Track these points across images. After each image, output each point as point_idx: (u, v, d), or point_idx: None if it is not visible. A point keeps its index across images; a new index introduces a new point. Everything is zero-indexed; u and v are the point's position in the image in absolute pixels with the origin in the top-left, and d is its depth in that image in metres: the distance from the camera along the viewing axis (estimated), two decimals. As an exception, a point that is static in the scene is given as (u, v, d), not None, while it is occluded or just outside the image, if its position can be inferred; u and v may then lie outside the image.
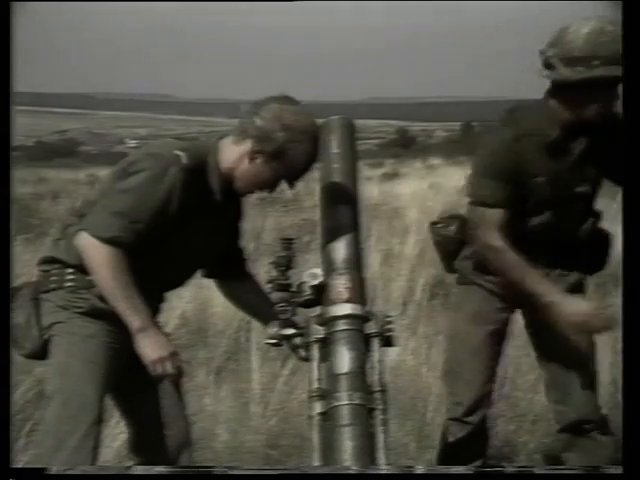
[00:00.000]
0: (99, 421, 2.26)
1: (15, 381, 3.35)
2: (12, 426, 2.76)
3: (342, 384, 1.67)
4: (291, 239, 1.96)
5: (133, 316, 2.23)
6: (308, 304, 1.87)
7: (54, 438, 2.22)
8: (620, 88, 2.41)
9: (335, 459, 1.59)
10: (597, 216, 2.76)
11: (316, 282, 1.86)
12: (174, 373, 2.31)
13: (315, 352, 1.77)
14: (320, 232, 1.97)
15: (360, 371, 1.70)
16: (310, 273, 1.87)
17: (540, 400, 3.71)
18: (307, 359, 1.80)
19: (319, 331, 1.78)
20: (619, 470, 1.82)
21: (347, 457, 1.58)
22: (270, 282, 1.92)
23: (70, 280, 2.30)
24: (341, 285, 1.82)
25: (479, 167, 2.63)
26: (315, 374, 1.73)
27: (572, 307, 2.50)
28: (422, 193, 13.26)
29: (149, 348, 2.25)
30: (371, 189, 13.08)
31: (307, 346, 1.80)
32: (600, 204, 2.76)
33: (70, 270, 2.30)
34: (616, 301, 2.79)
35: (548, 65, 2.50)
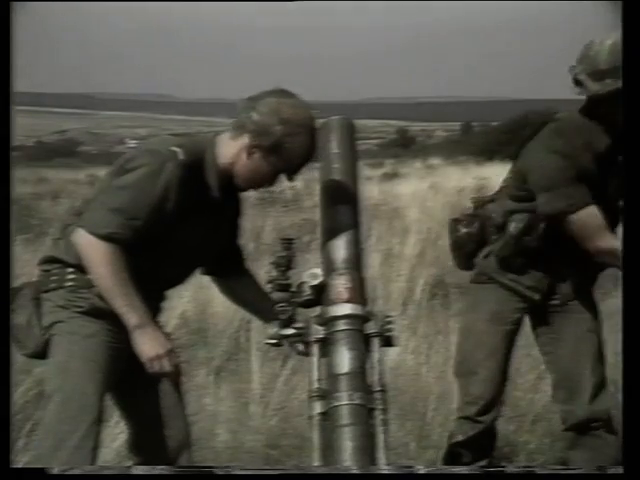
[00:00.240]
0: (99, 421, 2.26)
1: (15, 381, 3.35)
2: (12, 426, 2.76)
3: (342, 384, 1.67)
4: (291, 239, 1.96)
5: (130, 313, 2.23)
6: (308, 304, 1.87)
7: (54, 438, 2.22)
8: None
9: (335, 459, 1.59)
10: None
11: (316, 282, 1.86)
12: (172, 371, 2.31)
13: (315, 352, 1.77)
14: (320, 232, 1.97)
15: (360, 371, 1.70)
16: (310, 273, 1.87)
17: (540, 400, 3.71)
18: (306, 354, 1.80)
19: (319, 331, 1.78)
20: (619, 470, 1.82)
21: (347, 457, 1.58)
22: (270, 282, 1.92)
23: (70, 280, 2.30)
24: (341, 285, 1.82)
25: (536, 183, 2.68)
26: (315, 374, 1.73)
27: None
28: (422, 193, 13.27)
29: (146, 345, 2.25)
30: (371, 189, 13.09)
31: (307, 346, 1.80)
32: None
33: (70, 270, 2.30)
34: (616, 301, 2.78)
35: (578, 82, 2.57)
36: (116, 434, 3.02)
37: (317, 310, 1.85)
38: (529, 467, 2.99)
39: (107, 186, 2.30)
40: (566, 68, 2.67)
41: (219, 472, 1.83)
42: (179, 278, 2.47)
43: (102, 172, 2.81)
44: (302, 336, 1.85)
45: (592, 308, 2.84)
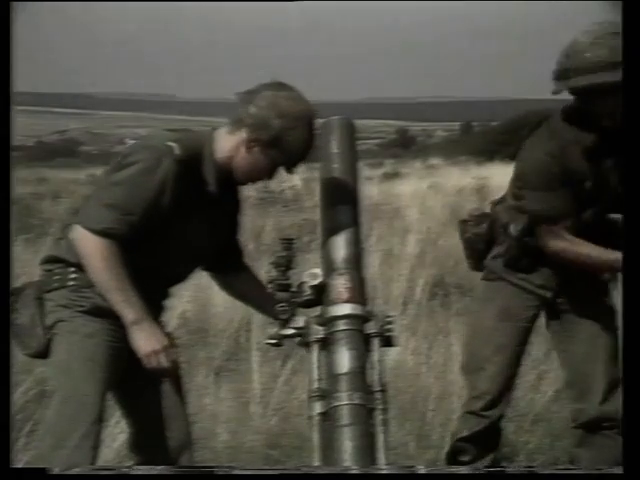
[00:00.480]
0: (99, 420, 2.25)
1: (15, 381, 3.35)
2: (12, 426, 2.76)
3: (342, 384, 1.67)
4: (291, 239, 1.96)
5: (127, 309, 2.23)
6: (308, 304, 1.87)
7: (54, 437, 2.22)
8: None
9: (335, 459, 1.59)
10: None
11: (316, 282, 1.86)
12: (169, 366, 2.30)
13: (315, 352, 1.77)
14: (320, 232, 1.97)
15: (360, 371, 1.70)
16: (310, 273, 1.87)
17: (540, 400, 3.71)
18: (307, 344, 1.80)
19: (319, 331, 1.78)
20: (619, 470, 1.82)
21: (347, 457, 1.58)
22: (270, 282, 1.92)
23: (73, 279, 2.30)
24: (341, 285, 1.82)
25: (528, 181, 2.69)
26: (315, 374, 1.73)
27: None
28: (422, 193, 13.27)
29: (143, 341, 2.25)
30: (371, 189, 13.08)
31: (307, 346, 1.80)
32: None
33: (72, 269, 2.30)
34: (616, 301, 2.79)
35: (564, 76, 2.55)
36: (116, 434, 3.02)
37: (317, 310, 1.85)
38: (529, 467, 2.99)
39: (103, 182, 2.31)
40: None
41: (221, 472, 1.82)
42: (181, 275, 2.47)
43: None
44: (302, 336, 1.85)
45: (606, 307, 2.83)
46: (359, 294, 1.82)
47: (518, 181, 2.75)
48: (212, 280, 2.65)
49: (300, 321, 1.86)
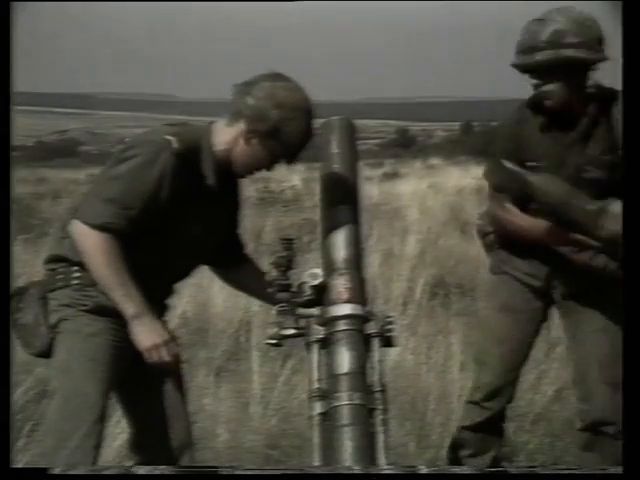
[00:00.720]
0: (101, 420, 2.25)
1: (15, 381, 3.35)
2: (12, 426, 2.76)
3: (342, 384, 1.67)
4: (291, 239, 1.96)
5: (127, 303, 2.23)
6: (308, 304, 1.87)
7: (56, 436, 2.22)
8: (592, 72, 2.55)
9: (335, 459, 1.59)
10: None
11: (316, 282, 1.85)
12: (170, 360, 2.30)
13: (315, 352, 1.77)
14: (320, 232, 1.97)
15: (360, 371, 1.70)
16: (310, 273, 1.87)
17: (540, 400, 3.71)
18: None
19: (319, 331, 1.78)
20: (619, 470, 1.81)
21: (347, 457, 1.58)
22: (270, 282, 1.92)
23: (76, 278, 2.30)
24: (341, 285, 1.82)
25: (492, 150, 2.80)
26: (315, 374, 1.73)
27: None
28: (422, 193, 13.26)
29: (143, 335, 2.25)
30: (371, 189, 13.08)
31: (307, 346, 1.80)
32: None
33: (76, 268, 2.30)
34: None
35: (517, 53, 2.60)
36: (116, 434, 3.02)
37: (317, 310, 1.85)
38: (530, 467, 2.99)
39: (102, 177, 2.31)
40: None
41: (222, 472, 1.82)
42: (183, 271, 2.46)
43: (102, 172, 2.80)
44: (302, 336, 1.85)
45: (606, 306, 2.75)
46: (359, 294, 1.81)
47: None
48: (214, 277, 2.65)
49: (300, 321, 1.86)
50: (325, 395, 1.68)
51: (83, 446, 2.20)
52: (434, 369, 3.91)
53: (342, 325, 1.76)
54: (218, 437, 3.39)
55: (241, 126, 2.27)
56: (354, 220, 1.95)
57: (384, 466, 1.60)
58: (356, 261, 1.88)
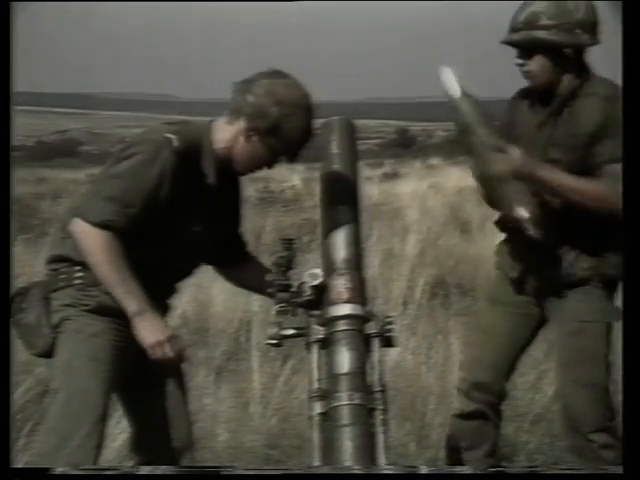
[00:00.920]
0: (103, 420, 2.25)
1: (15, 381, 3.35)
2: (12, 426, 2.76)
3: (342, 384, 1.68)
4: (291, 239, 1.96)
5: (129, 300, 2.24)
6: (309, 304, 1.87)
7: (57, 436, 2.22)
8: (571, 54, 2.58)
9: (335, 459, 1.59)
10: None
11: (316, 282, 1.86)
12: (175, 356, 2.30)
13: (315, 352, 1.77)
14: (320, 232, 1.97)
15: (360, 371, 1.70)
16: (310, 273, 1.87)
17: (540, 400, 3.71)
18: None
19: (319, 331, 1.78)
20: (619, 470, 1.82)
21: (347, 457, 1.59)
22: (270, 283, 1.92)
23: (78, 277, 2.30)
24: (341, 285, 1.82)
25: None
26: (315, 374, 1.73)
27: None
28: (422, 193, 13.26)
29: (146, 332, 2.25)
30: (371, 189, 13.07)
31: (307, 346, 1.80)
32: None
33: (78, 267, 2.30)
34: (616, 301, 2.77)
35: (509, 30, 2.64)
36: (116, 434, 3.02)
37: (317, 310, 1.85)
38: (530, 467, 2.98)
39: (102, 175, 2.32)
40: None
41: (223, 472, 1.82)
42: (185, 270, 2.46)
43: (102, 172, 2.80)
44: (302, 336, 1.85)
45: (573, 307, 2.67)
46: (359, 294, 1.82)
47: None
48: (214, 277, 2.65)
49: (300, 321, 1.86)
50: (325, 395, 1.68)
51: (85, 446, 2.20)
52: (434, 369, 3.91)
53: (342, 325, 1.76)
54: (218, 437, 3.39)
55: (241, 124, 2.27)
56: (354, 220, 1.95)
57: (384, 466, 1.60)
58: (356, 261, 1.88)
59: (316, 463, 1.61)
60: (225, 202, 2.42)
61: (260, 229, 8.13)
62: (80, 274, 2.30)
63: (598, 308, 2.65)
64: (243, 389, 3.88)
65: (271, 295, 2.45)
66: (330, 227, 1.94)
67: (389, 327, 1.79)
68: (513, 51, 2.66)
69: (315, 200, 2.23)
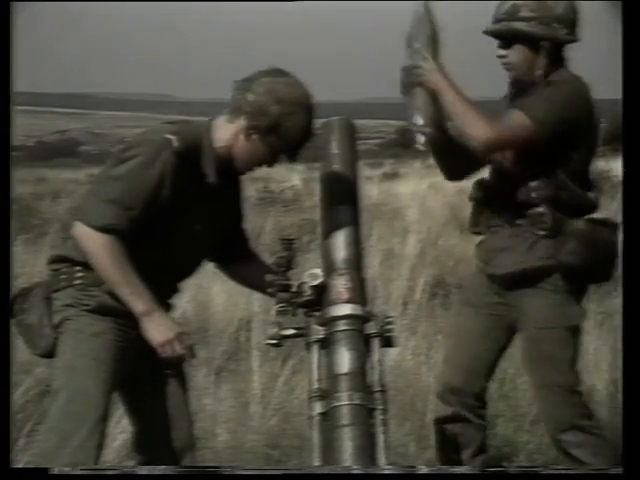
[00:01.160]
0: (104, 419, 2.26)
1: (15, 381, 3.34)
2: (12, 426, 2.76)
3: (342, 384, 1.68)
4: (291, 239, 1.96)
5: (136, 301, 2.24)
6: (309, 304, 1.87)
7: (58, 436, 2.23)
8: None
9: (335, 459, 1.59)
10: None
11: (316, 282, 1.86)
12: (185, 353, 2.31)
13: (315, 352, 1.77)
14: (320, 232, 1.97)
15: (360, 371, 1.70)
16: (310, 273, 1.87)
17: (540, 400, 3.70)
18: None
19: (319, 331, 1.78)
20: (619, 470, 1.82)
21: (347, 457, 1.59)
22: (271, 283, 1.92)
23: (79, 277, 2.30)
24: (341, 285, 1.82)
25: None
26: (315, 374, 1.73)
27: None
28: (422, 193, 13.25)
29: (155, 331, 2.26)
30: (371, 189, 13.06)
31: (307, 346, 1.80)
32: (600, 203, 2.76)
33: (79, 268, 2.30)
34: (616, 301, 2.78)
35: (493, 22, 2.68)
36: (116, 434, 3.02)
37: (317, 310, 1.85)
38: (530, 467, 2.98)
39: (103, 177, 2.31)
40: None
41: (223, 472, 1.83)
42: (187, 268, 2.46)
43: (102, 172, 2.80)
44: (302, 336, 1.85)
45: (532, 313, 2.64)
46: (359, 294, 1.82)
47: None
48: (214, 277, 2.65)
49: (300, 321, 1.86)
50: (325, 395, 1.69)
51: (85, 445, 2.20)
52: (434, 369, 3.90)
53: (342, 325, 1.76)
54: (218, 437, 3.39)
55: (241, 122, 2.27)
56: (354, 220, 1.95)
57: (384, 466, 1.60)
58: (356, 261, 1.89)
59: (316, 463, 1.62)
60: (226, 200, 2.42)
61: (260, 229, 8.12)
62: (81, 274, 2.30)
63: (558, 313, 2.61)
64: (243, 389, 3.88)
65: (271, 295, 2.46)
66: (330, 227, 1.94)
67: (389, 327, 1.79)
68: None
69: (315, 200, 2.23)
